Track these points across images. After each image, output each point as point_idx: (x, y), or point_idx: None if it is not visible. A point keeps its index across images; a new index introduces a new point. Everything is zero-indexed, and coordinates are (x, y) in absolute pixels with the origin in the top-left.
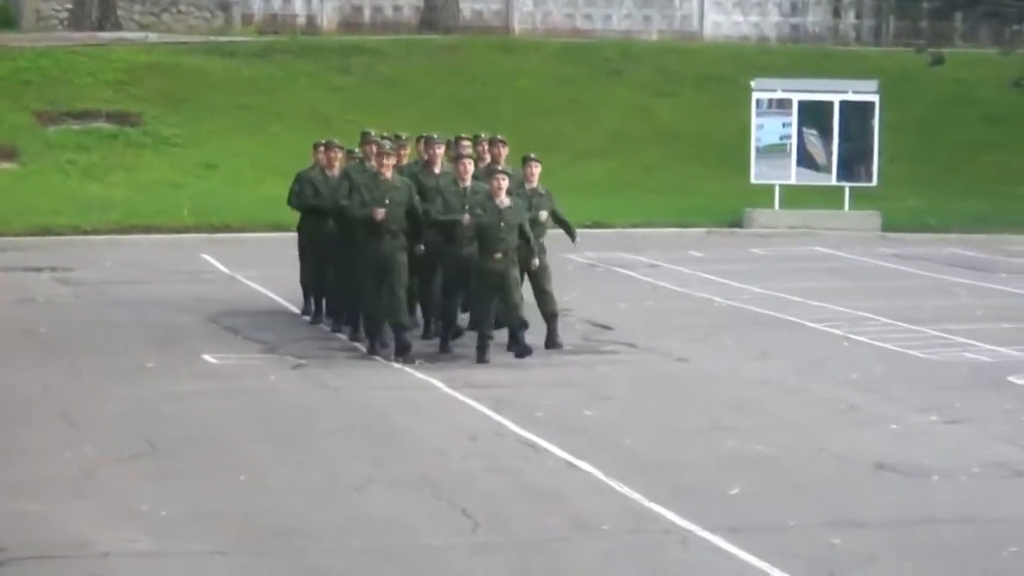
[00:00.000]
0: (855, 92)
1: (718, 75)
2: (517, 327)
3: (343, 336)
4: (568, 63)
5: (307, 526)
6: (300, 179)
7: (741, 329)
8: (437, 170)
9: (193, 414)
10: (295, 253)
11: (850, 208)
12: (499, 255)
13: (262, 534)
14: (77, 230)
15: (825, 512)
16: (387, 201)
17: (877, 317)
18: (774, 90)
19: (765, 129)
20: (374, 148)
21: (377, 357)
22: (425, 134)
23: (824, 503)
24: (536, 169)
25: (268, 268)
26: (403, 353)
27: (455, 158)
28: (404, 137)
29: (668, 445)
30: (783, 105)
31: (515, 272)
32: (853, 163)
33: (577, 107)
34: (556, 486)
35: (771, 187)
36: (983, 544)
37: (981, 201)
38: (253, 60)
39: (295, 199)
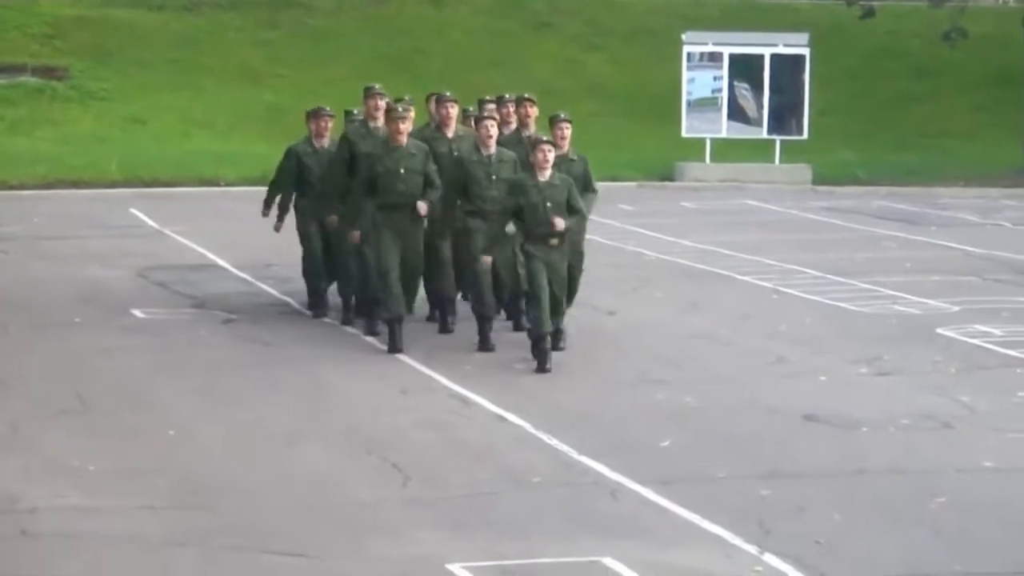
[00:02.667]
0: (786, 45)
1: (649, 28)
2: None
3: (353, 330)
4: (498, 16)
5: (237, 481)
6: (288, 155)
7: (671, 282)
8: (450, 133)
9: (122, 369)
10: (225, 206)
11: (781, 161)
12: (554, 240)
13: (191, 489)
14: (4, 185)
15: (755, 464)
16: (401, 171)
17: (807, 270)
18: (705, 43)
19: (696, 83)
20: (377, 103)
21: (401, 356)
22: (436, 92)
23: (754, 455)
24: (567, 130)
25: (197, 223)
26: (394, 348)
27: (476, 120)
28: (408, 99)
29: (598, 398)
30: (714, 58)
31: (565, 261)
32: (784, 116)
33: (507, 61)
34: (486, 440)
35: (702, 140)
36: (912, 495)
37: (911, 154)
38: (181, 14)
39: (272, 187)
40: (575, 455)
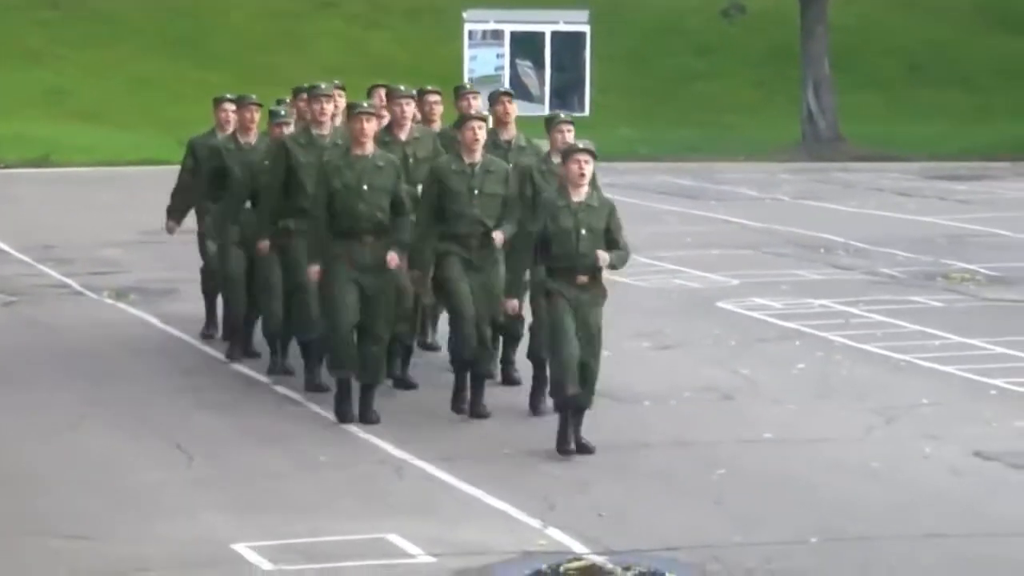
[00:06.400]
0: (566, 23)
1: (431, 7)
2: (585, 398)
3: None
4: None
5: (22, 466)
6: (194, 150)
7: None
8: (404, 136)
9: None
10: (6, 189)
11: None
12: (583, 277)
13: None
14: None
15: (538, 440)
16: (364, 188)
17: None
18: (486, 21)
19: (479, 60)
20: (323, 108)
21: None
22: (381, 84)
23: (537, 431)
24: (570, 136)
25: None
26: (342, 415)
27: (461, 120)
28: (337, 83)
29: None
30: (496, 36)
31: (599, 315)
32: (565, 93)
33: (291, 40)
34: (273, 421)
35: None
36: (694, 466)
37: (691, 130)
38: None
39: (178, 194)
40: (361, 434)
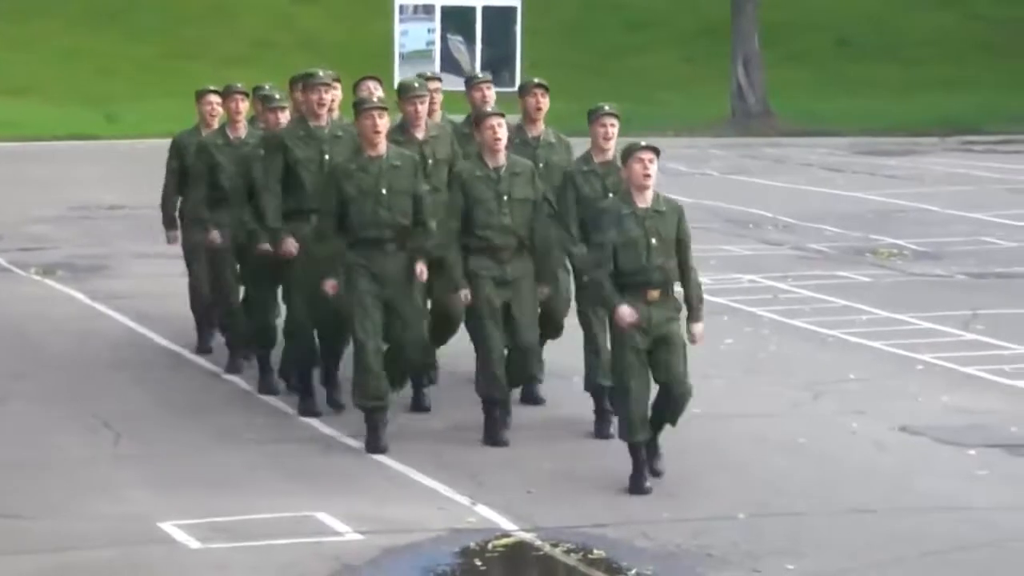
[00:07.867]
0: None
1: None
2: (669, 419)
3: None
4: None
5: None
6: (179, 149)
7: None
8: (420, 134)
9: None
10: None
11: None
12: (654, 292)
13: None
14: None
15: (467, 418)
16: (383, 191)
17: None
18: None
19: (409, 35)
20: (321, 97)
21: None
22: (371, 76)
23: (466, 410)
24: (613, 130)
25: None
26: (375, 446)
27: (479, 119)
28: (332, 74)
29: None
30: (427, 11)
31: (679, 328)
32: (497, 68)
33: (219, 14)
34: (200, 398)
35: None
36: (622, 442)
37: (622, 105)
38: None
39: (169, 195)
40: (289, 411)
